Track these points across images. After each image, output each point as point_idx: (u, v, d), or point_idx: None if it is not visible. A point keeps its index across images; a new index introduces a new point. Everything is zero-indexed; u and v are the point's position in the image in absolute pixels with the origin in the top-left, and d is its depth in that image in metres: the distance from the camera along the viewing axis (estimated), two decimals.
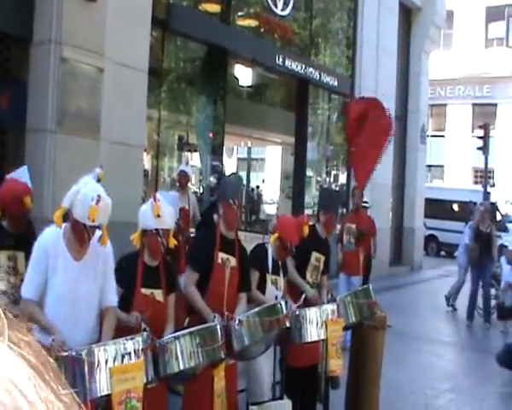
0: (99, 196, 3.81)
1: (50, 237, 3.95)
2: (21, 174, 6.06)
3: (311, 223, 6.25)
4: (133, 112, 8.69)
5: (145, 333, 3.88)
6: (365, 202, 10.57)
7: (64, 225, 3.95)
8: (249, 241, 8.61)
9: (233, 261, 5.16)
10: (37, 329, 3.93)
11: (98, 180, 5.49)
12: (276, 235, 5.65)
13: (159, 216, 4.37)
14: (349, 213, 10.12)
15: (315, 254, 6.32)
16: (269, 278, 5.65)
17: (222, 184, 5.49)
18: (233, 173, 20.12)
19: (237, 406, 5.17)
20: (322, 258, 6.41)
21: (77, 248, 3.95)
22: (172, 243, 4.55)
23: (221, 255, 5.09)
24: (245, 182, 23.10)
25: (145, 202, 6.26)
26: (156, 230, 4.41)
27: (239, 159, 27.06)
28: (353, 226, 9.79)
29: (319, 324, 5.27)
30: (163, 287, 4.60)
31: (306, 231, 5.70)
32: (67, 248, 3.94)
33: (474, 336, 11.76)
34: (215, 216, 6.84)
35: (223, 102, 12.86)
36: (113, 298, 4.20)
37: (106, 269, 4.16)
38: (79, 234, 3.89)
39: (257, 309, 4.86)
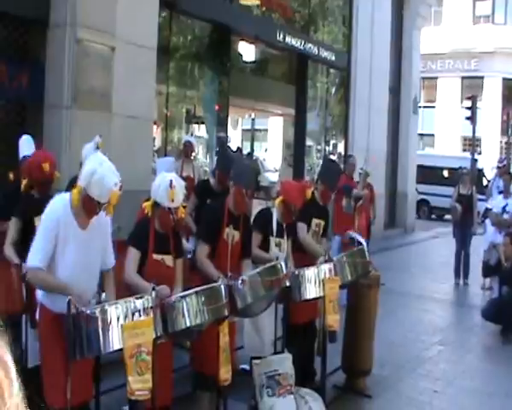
0: (116, 184, 3.75)
1: (61, 207, 3.86)
2: (24, 143, 6.03)
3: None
4: (143, 88, 8.60)
5: (154, 292, 3.86)
6: (362, 169, 10.48)
7: (69, 194, 3.91)
8: (253, 207, 8.60)
9: (237, 236, 5.12)
10: (49, 296, 3.90)
11: (97, 148, 5.46)
12: (281, 199, 5.61)
13: (173, 201, 4.34)
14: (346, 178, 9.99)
15: (315, 221, 6.29)
16: (272, 240, 5.63)
17: (238, 167, 5.32)
18: (250, 154, 19.90)
19: (234, 360, 5.19)
20: (322, 223, 6.39)
21: (83, 218, 3.88)
22: (181, 213, 4.52)
23: (227, 231, 5.05)
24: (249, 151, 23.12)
25: (156, 173, 6.25)
26: (169, 208, 4.39)
27: (243, 130, 26.87)
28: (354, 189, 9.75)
29: (317, 282, 5.29)
30: (172, 253, 4.59)
31: (309, 194, 5.66)
32: (74, 218, 3.88)
33: (461, 292, 11.78)
34: (211, 180, 6.81)
35: (227, 77, 12.74)
36: (112, 259, 4.22)
37: (107, 234, 4.15)
38: (91, 209, 3.83)
39: (258, 269, 4.86)
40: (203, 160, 15.43)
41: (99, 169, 3.74)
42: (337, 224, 9.89)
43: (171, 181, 4.33)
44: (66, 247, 3.82)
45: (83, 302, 3.69)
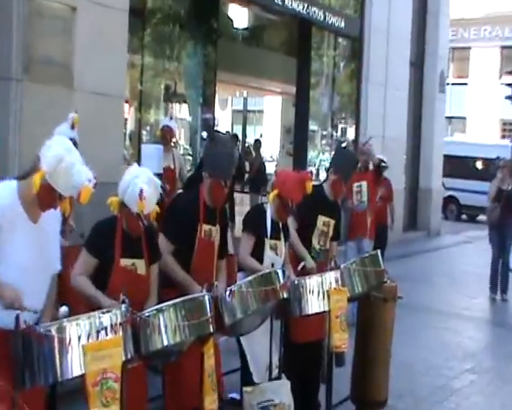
0: (91, 179, 3.75)
1: (7, 195, 3.76)
2: None
3: (315, 182, 6.22)
4: (112, 57, 8.59)
5: (124, 305, 3.86)
6: (382, 160, 10.47)
7: (18, 182, 3.84)
8: (246, 203, 8.61)
9: (216, 231, 5.18)
10: None
11: (72, 126, 5.46)
12: (276, 192, 5.62)
13: (142, 211, 4.36)
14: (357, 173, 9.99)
15: (322, 219, 6.29)
16: (267, 242, 5.64)
17: (212, 154, 5.33)
18: (227, 133, 19.97)
19: (223, 386, 5.19)
20: (332, 222, 6.39)
21: (34, 209, 3.79)
22: (154, 214, 4.53)
23: (204, 228, 5.09)
24: (240, 137, 23.04)
25: (127, 162, 6.25)
26: (138, 213, 4.39)
27: (234, 111, 26.98)
28: (364, 184, 9.73)
29: (321, 294, 5.29)
30: (145, 257, 4.59)
31: (310, 187, 5.66)
32: (24, 209, 3.83)
33: (497, 310, 11.79)
34: (204, 173, 6.81)
35: (214, 47, 12.77)
36: (59, 264, 4.09)
37: (56, 234, 4.07)
38: (48, 201, 3.76)
39: (250, 278, 4.87)
40: (186, 146, 15.46)
41: (67, 157, 3.68)
42: (350, 226, 9.92)
43: (141, 191, 4.32)
44: (12, 242, 3.76)
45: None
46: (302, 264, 5.93)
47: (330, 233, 6.39)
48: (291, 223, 6.10)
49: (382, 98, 16.22)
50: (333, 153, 10.71)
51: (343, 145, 14.70)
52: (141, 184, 4.37)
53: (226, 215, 5.54)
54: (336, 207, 6.60)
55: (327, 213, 6.32)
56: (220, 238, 5.27)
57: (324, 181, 6.54)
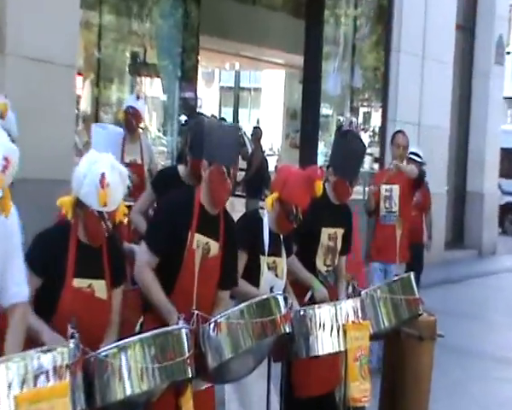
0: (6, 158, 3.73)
1: None
2: None
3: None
4: (59, 14, 8.60)
5: (72, 341, 3.85)
6: (415, 154, 10.45)
7: None
8: (239, 210, 8.61)
9: (214, 247, 5.15)
10: None
11: (1, 116, 5.45)
12: (275, 195, 5.64)
13: (105, 205, 4.38)
14: (388, 171, 9.95)
15: (327, 231, 6.35)
16: (264, 260, 5.67)
17: (210, 135, 5.33)
18: (223, 120, 19.95)
19: None
20: (340, 232, 6.44)
21: None
22: (121, 215, 4.56)
23: (197, 237, 5.07)
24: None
25: (81, 152, 6.20)
26: (99, 212, 4.42)
27: (222, 88, 27.01)
28: (396, 188, 9.67)
29: (335, 329, 5.28)
30: (106, 276, 4.61)
31: (319, 188, 5.68)
32: None
33: None
34: (180, 168, 6.84)
35: (197, 3, 12.79)
36: (19, 290, 4.11)
37: (7, 249, 4.05)
38: None
39: (242, 306, 4.86)
40: (157, 134, 15.48)
41: None
42: (375, 244, 9.86)
43: (102, 175, 4.35)
44: None
45: None
46: (310, 293, 5.95)
47: (338, 247, 6.43)
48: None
49: (419, 73, 16.26)
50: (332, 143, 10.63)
51: (343, 129, 14.61)
52: (102, 169, 4.40)
53: (233, 227, 5.51)
54: (344, 212, 6.62)
55: (332, 223, 6.36)
56: (223, 260, 5.23)
57: (325, 182, 6.54)
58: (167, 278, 5.00)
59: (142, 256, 5.07)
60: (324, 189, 6.29)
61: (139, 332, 4.53)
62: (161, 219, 5.26)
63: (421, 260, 10.85)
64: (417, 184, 9.53)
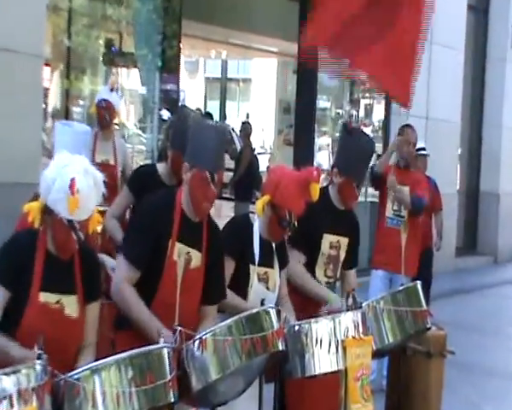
0: None
1: None
2: None
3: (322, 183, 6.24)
4: None
5: (39, 363, 3.85)
6: (422, 149, 10.43)
7: None
8: (226, 215, 8.60)
9: (196, 258, 5.16)
10: None
11: None
12: (267, 198, 5.64)
13: (76, 211, 4.36)
14: (394, 168, 9.85)
15: (328, 238, 6.36)
16: (254, 271, 5.68)
17: (193, 135, 5.29)
18: (208, 114, 19.97)
19: None
20: (344, 241, 6.44)
21: None
22: (94, 225, 4.57)
23: (179, 247, 5.08)
24: (217, 117, 22.99)
25: (49, 153, 6.19)
26: (69, 221, 4.39)
27: (208, 79, 27.02)
28: (406, 189, 9.62)
29: (333, 345, 5.29)
30: (78, 291, 4.59)
31: (316, 191, 5.67)
32: None
33: None
34: (159, 167, 6.84)
35: None
36: None
37: None
38: None
39: (229, 321, 4.85)
40: (135, 131, 15.48)
41: None
42: (378, 249, 9.82)
43: (72, 180, 4.33)
44: None
45: None
46: (327, 307, 5.94)
47: (342, 257, 6.44)
48: (295, 255, 6.15)
49: (426, 60, 16.10)
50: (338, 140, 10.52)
51: (349, 127, 14.60)
52: (72, 173, 4.37)
53: (218, 235, 5.50)
54: (350, 219, 6.64)
55: (335, 229, 6.37)
56: (208, 271, 5.23)
57: (329, 184, 6.53)
58: (145, 292, 4.98)
59: (121, 271, 5.05)
60: (328, 192, 6.30)
61: (113, 353, 4.45)
62: (140, 226, 5.21)
63: (431, 266, 10.81)
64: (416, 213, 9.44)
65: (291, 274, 6.13)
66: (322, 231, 6.29)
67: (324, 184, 6.47)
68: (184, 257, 5.08)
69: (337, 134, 16.42)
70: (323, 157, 19.03)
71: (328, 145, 18.67)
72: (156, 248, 5.01)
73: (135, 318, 4.92)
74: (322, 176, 7.05)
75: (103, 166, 8.53)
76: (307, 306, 6.08)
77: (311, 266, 6.34)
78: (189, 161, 5.14)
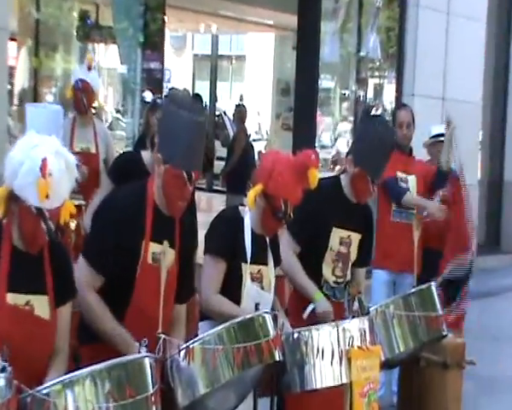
0: None
1: None
2: None
3: (327, 174, 6.28)
4: None
5: (3, 376, 3.87)
6: (440, 135, 10.45)
7: None
8: (217, 209, 8.64)
9: (170, 255, 5.19)
10: None
11: None
12: (259, 187, 5.66)
13: (47, 197, 4.33)
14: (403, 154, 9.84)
15: (338, 233, 6.41)
16: (247, 270, 5.70)
17: (167, 125, 5.21)
18: (197, 96, 20.02)
19: None
20: (356, 237, 6.51)
21: None
22: (66, 215, 4.53)
23: (153, 247, 5.10)
24: (207, 99, 22.95)
25: (15, 137, 6.20)
26: (38, 209, 4.37)
27: (196, 57, 27.01)
28: (413, 179, 9.63)
29: (336, 355, 5.33)
30: (49, 291, 4.58)
31: (314, 179, 5.68)
32: None
33: None
34: (144, 154, 6.89)
35: None
36: None
37: None
38: None
39: (220, 328, 4.89)
40: (115, 115, 15.49)
41: None
42: (381, 246, 9.79)
43: (44, 161, 4.31)
44: None
45: None
46: (310, 307, 5.99)
47: (353, 255, 6.49)
48: (287, 242, 6.19)
49: (443, 34, 16.27)
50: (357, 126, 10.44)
51: (372, 113, 14.67)
52: (43, 154, 4.33)
53: (192, 231, 5.53)
54: (364, 213, 6.68)
55: (346, 224, 6.41)
56: (180, 269, 5.27)
57: (342, 173, 6.56)
58: (117, 301, 5.01)
59: (81, 275, 5.00)
60: (339, 181, 6.35)
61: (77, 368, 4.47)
62: (104, 225, 5.19)
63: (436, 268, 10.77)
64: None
65: (285, 263, 6.16)
66: (332, 223, 6.33)
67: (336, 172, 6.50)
68: (159, 257, 5.07)
69: (340, 119, 16.42)
70: (342, 144, 19.11)
71: (345, 132, 18.62)
72: (126, 249, 5.01)
73: (104, 328, 4.94)
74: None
75: (83, 155, 8.57)
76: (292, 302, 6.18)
77: (316, 263, 6.39)
78: (161, 155, 5.10)
